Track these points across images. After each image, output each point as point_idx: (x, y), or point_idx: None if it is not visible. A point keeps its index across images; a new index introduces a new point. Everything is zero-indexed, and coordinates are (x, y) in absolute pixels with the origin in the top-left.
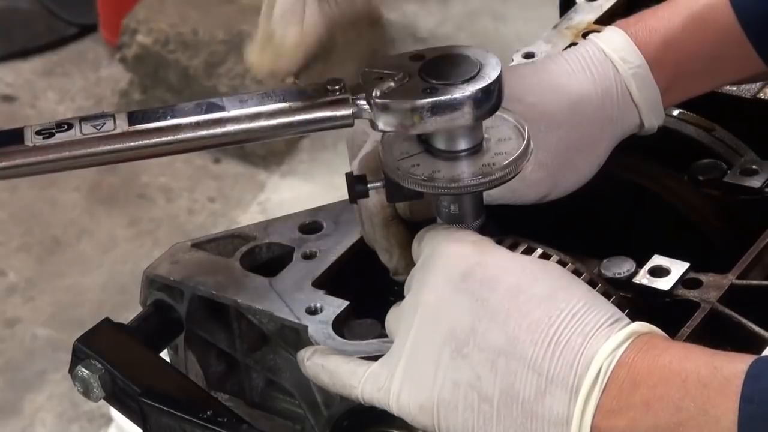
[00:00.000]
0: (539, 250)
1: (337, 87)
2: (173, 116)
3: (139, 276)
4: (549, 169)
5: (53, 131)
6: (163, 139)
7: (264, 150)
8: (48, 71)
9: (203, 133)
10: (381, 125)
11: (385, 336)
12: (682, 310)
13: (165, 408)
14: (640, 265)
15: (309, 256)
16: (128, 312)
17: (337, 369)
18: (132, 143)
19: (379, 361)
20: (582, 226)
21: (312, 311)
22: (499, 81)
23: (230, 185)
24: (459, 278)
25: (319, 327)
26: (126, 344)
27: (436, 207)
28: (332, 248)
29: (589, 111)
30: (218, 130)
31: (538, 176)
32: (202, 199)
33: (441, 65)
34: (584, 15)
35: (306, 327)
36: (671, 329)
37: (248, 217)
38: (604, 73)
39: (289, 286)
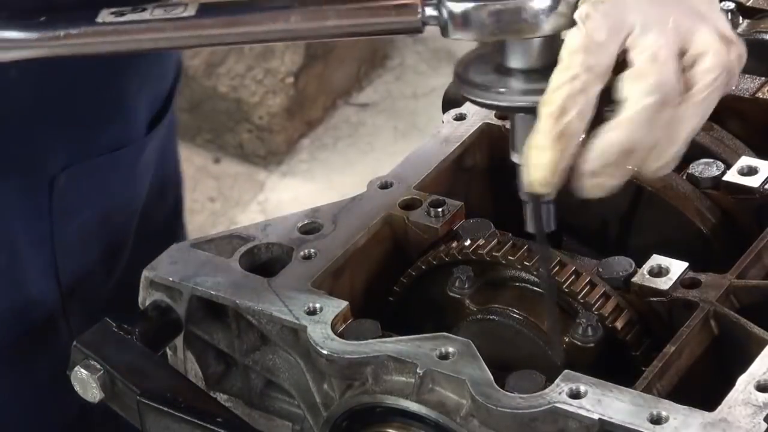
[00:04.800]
0: None
1: None
2: (244, 12)
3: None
4: None
5: (125, 12)
6: (227, 31)
7: (264, 150)
8: None
9: (266, 28)
10: (452, 33)
11: (384, 336)
12: (680, 311)
13: (164, 408)
14: (639, 264)
15: (308, 257)
16: None
17: None
18: (197, 32)
19: None
20: (581, 226)
21: (311, 312)
22: None
23: (230, 185)
24: None
25: (318, 327)
26: (125, 345)
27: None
28: (331, 249)
29: None
30: (283, 26)
31: None
32: (202, 198)
33: None
34: None
35: (305, 327)
36: (669, 330)
37: (248, 216)
38: None
39: (288, 286)
